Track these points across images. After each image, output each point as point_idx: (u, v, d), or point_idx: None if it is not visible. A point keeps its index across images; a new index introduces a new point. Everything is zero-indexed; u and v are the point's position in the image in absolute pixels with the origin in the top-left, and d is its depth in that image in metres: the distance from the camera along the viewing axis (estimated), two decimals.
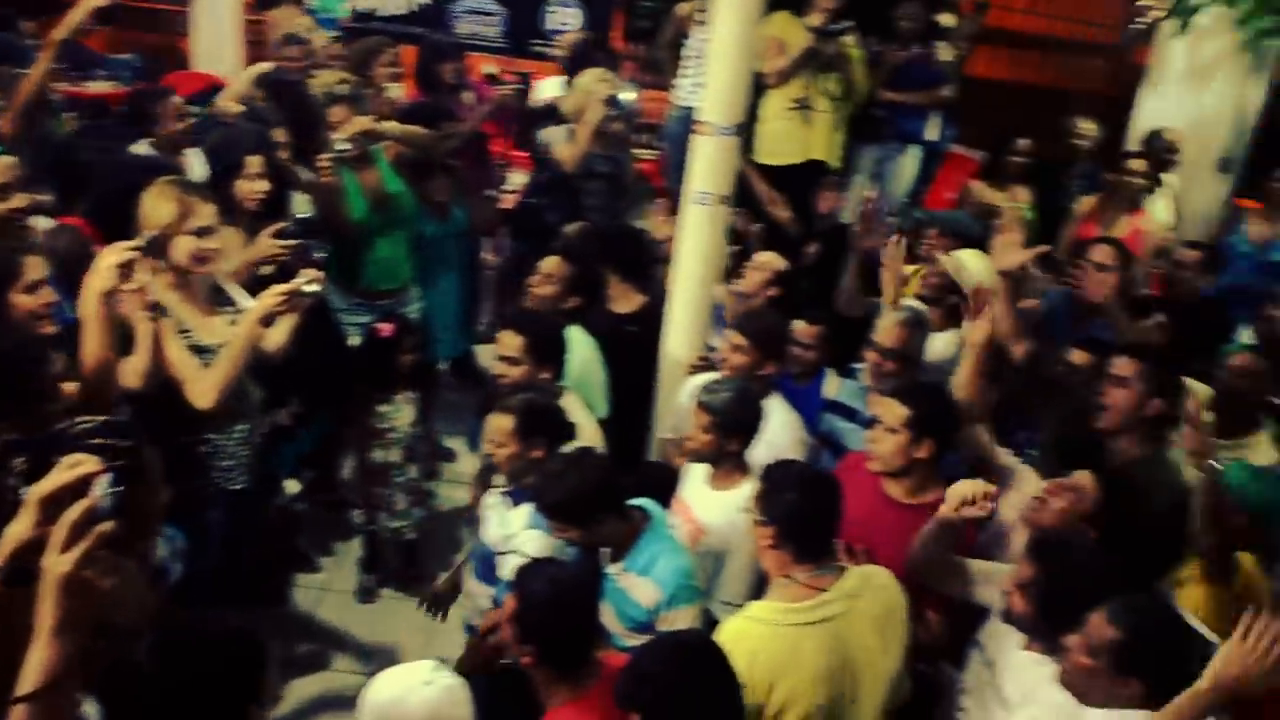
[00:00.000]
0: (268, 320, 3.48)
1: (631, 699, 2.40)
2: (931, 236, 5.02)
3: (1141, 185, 6.05)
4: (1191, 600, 3.33)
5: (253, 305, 3.51)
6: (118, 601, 1.91)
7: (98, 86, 6.61)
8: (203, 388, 3.41)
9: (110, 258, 2.94)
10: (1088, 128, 6.42)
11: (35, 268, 3.25)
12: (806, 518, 2.82)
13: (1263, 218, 6.24)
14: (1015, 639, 2.90)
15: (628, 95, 6.14)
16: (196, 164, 4.69)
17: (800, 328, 4.21)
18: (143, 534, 2.44)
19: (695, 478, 3.63)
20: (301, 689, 4.21)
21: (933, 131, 6.42)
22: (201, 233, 3.47)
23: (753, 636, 2.73)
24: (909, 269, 5.11)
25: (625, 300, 4.61)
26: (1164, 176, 6.34)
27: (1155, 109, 6.91)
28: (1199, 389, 4.21)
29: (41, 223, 3.93)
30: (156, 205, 3.42)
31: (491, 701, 2.71)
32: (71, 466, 1.77)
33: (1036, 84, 8.40)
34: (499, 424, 3.38)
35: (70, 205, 4.22)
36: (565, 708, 2.66)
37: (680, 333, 4.41)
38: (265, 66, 5.47)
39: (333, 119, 4.81)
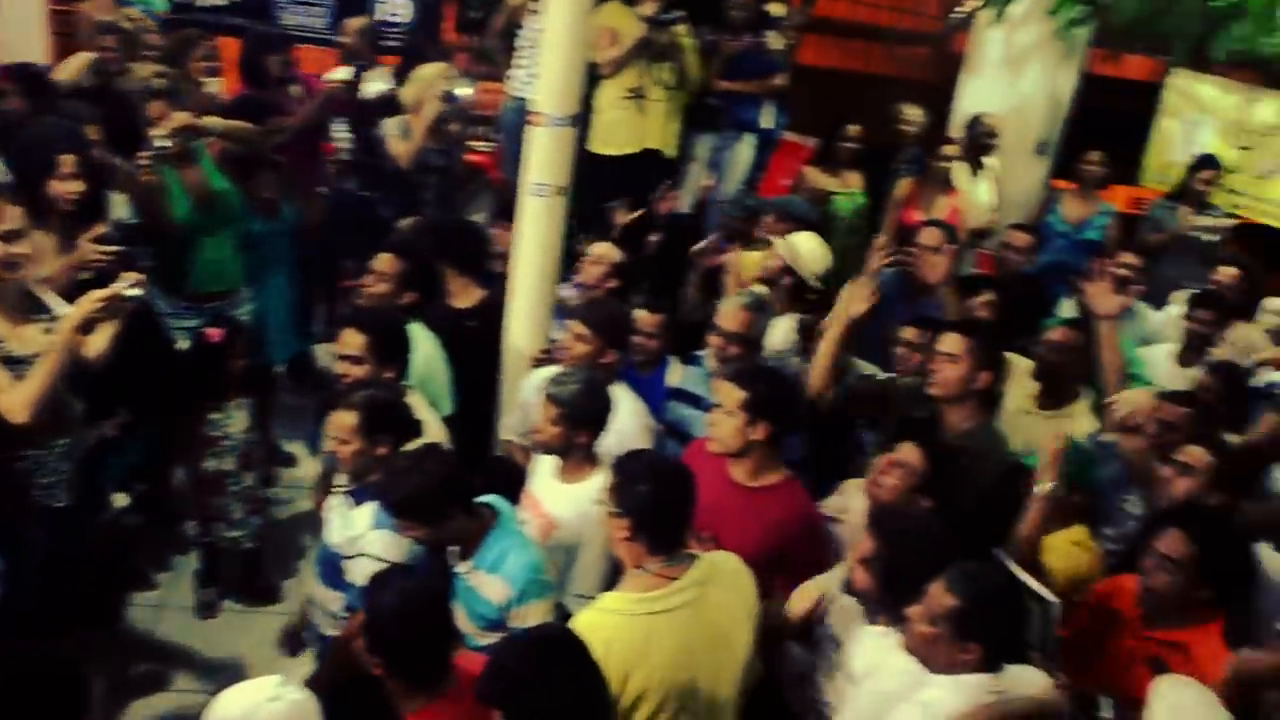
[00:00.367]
0: (86, 327, 3.32)
1: (494, 696, 2.37)
2: (767, 223, 5.11)
3: (953, 168, 6.28)
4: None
5: (69, 312, 3.33)
6: None
7: None
8: (16, 401, 3.24)
9: None
10: (913, 114, 6.63)
11: None
12: (661, 509, 2.82)
13: (1077, 198, 6.57)
14: (860, 614, 2.98)
15: (464, 90, 6.08)
16: None
17: (642, 316, 4.22)
18: None
19: (544, 471, 3.61)
20: (142, 710, 4.04)
21: (767, 119, 6.53)
22: (8, 237, 3.28)
23: (606, 627, 2.73)
24: (747, 256, 5.21)
25: (465, 295, 4.54)
26: (985, 160, 6.60)
27: (975, 95, 7.19)
28: (1021, 363, 4.41)
29: None
30: None
31: (343, 714, 2.63)
32: None
33: (864, 72, 8.63)
34: (342, 421, 3.30)
35: None
36: (420, 714, 2.63)
37: (522, 326, 4.37)
38: (86, 57, 5.20)
39: (151, 114, 4.60)
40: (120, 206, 4.61)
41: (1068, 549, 3.46)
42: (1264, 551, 3.52)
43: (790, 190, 6.31)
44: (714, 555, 2.98)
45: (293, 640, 3.76)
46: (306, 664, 3.60)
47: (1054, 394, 4.38)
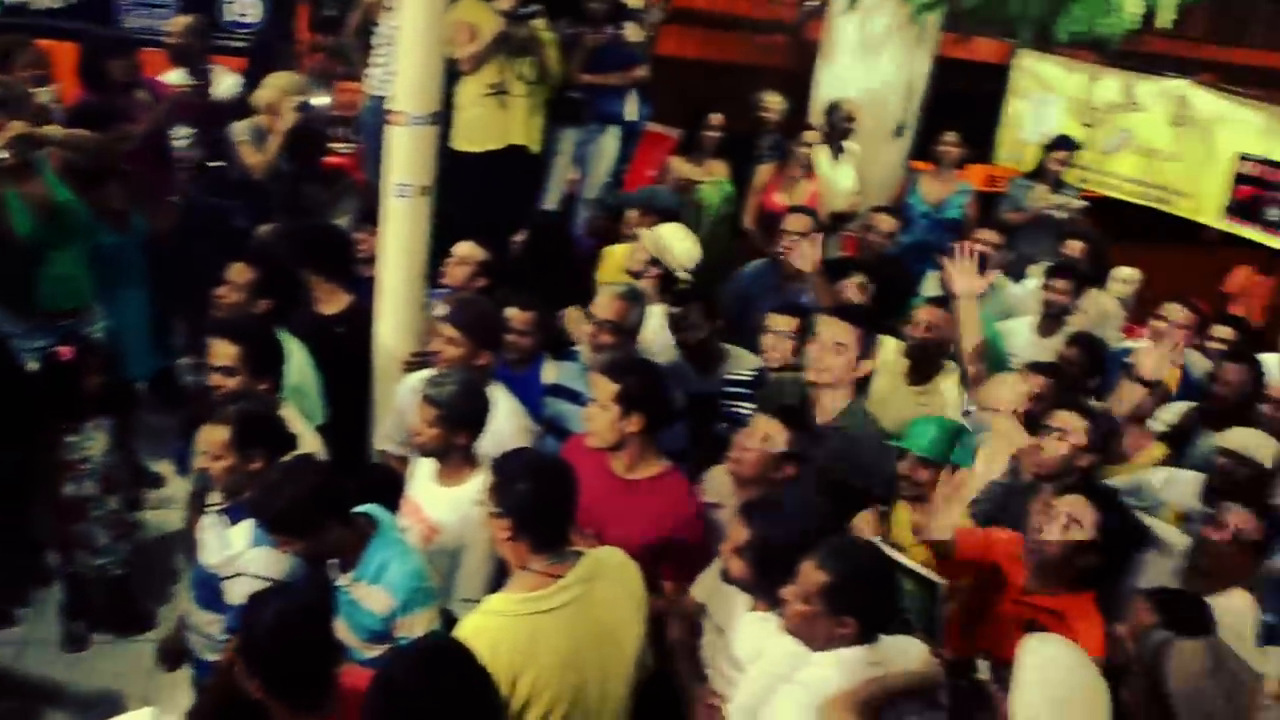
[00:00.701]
0: None
1: (379, 713, 2.31)
2: (632, 218, 5.15)
3: (814, 153, 6.39)
4: None
5: None
6: None
7: None
8: None
9: None
10: (773, 101, 6.71)
11: None
12: (542, 507, 2.80)
13: (935, 178, 6.75)
14: (741, 601, 3.01)
15: (320, 100, 5.96)
16: None
17: (513, 314, 4.19)
18: None
19: (423, 475, 3.56)
20: None
21: (631, 111, 6.53)
22: None
23: (491, 630, 2.70)
24: (615, 251, 5.23)
25: (331, 301, 4.44)
26: (846, 144, 6.73)
27: (832, 81, 7.33)
28: (889, 342, 4.51)
29: None
30: None
31: None
32: None
33: (723, 61, 8.71)
34: (213, 436, 3.22)
35: None
36: None
37: (392, 330, 4.29)
38: None
39: None
40: None
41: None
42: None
43: (656, 181, 6.33)
44: (598, 551, 2.97)
45: (171, 655, 3.62)
46: (186, 692, 3.48)
47: (922, 370, 4.51)
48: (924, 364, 4.51)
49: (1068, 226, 6.19)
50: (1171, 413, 4.69)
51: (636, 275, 4.66)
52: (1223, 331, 5.38)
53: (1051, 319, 5.23)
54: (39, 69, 5.52)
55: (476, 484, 3.27)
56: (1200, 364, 5.19)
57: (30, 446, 4.29)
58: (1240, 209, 6.55)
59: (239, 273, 4.13)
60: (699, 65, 8.38)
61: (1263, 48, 10.58)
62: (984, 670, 2.78)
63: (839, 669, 2.64)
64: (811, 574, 2.64)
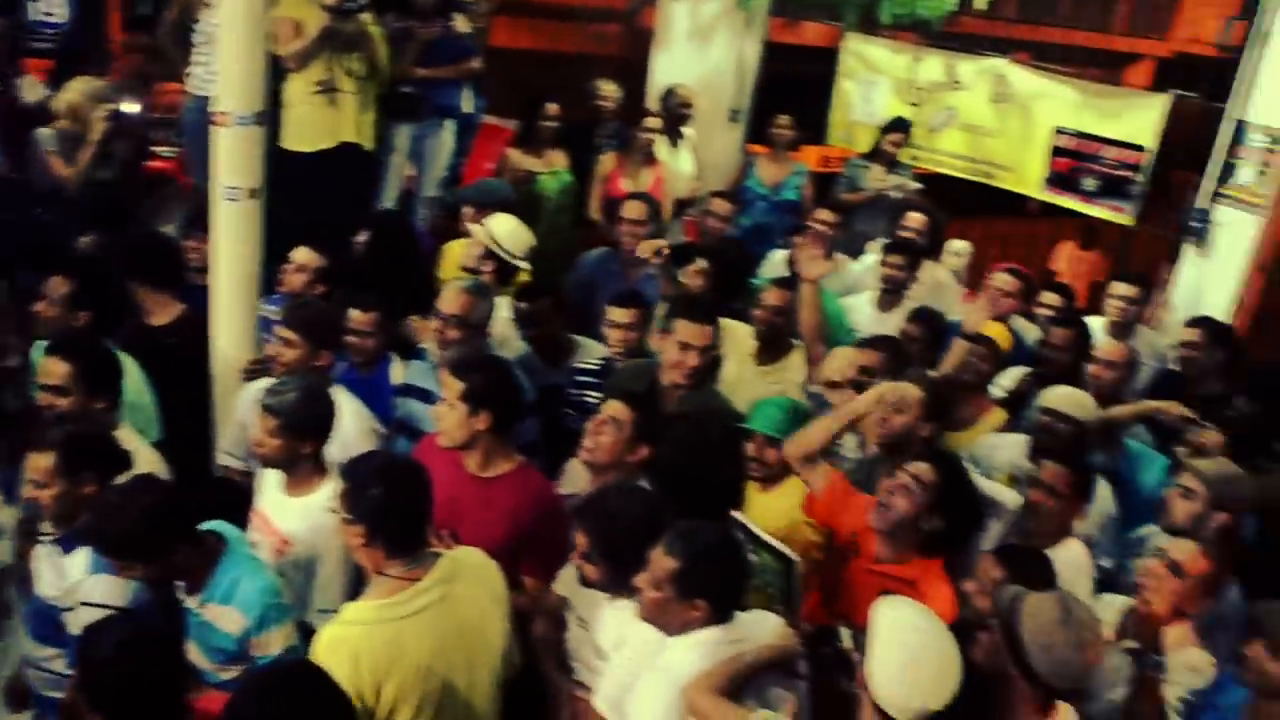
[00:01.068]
0: None
1: None
2: (468, 213, 5.11)
3: (655, 140, 6.43)
4: None
5: None
6: None
7: None
8: None
9: None
10: (608, 89, 6.71)
11: None
12: (396, 511, 2.75)
13: (771, 161, 6.86)
14: (602, 594, 3.00)
15: (130, 107, 5.71)
16: None
17: (356, 316, 4.12)
18: None
19: (270, 487, 3.46)
20: None
21: (467, 104, 6.45)
22: None
23: (351, 640, 2.65)
24: (454, 246, 5.17)
25: (162, 312, 4.27)
26: (683, 130, 6.78)
27: (667, 68, 7.39)
28: (736, 326, 4.57)
29: None
30: None
31: None
32: None
33: (556, 51, 8.68)
34: (39, 463, 3.07)
35: None
36: None
37: (228, 338, 4.14)
38: None
39: None
40: None
41: (791, 523, 3.60)
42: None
43: (494, 174, 6.26)
44: (457, 551, 2.95)
45: (14, 696, 3.44)
46: None
47: (770, 350, 4.58)
48: (772, 345, 4.59)
49: (907, 203, 6.35)
50: (1009, 378, 4.88)
51: (473, 270, 4.60)
52: (1050, 298, 5.63)
53: (890, 294, 5.38)
54: None
55: (326, 491, 3.22)
56: (1030, 330, 5.42)
57: None
58: (1059, 180, 6.84)
59: (56, 286, 3.95)
60: (532, 56, 8.33)
61: (1070, 26, 11.13)
62: (846, 638, 2.83)
63: (697, 651, 2.67)
64: (660, 560, 2.67)
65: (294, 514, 3.33)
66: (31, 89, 5.94)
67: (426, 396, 4.01)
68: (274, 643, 2.92)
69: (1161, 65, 11.79)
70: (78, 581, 3.08)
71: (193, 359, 4.17)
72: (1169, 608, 2.88)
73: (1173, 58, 11.70)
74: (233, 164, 3.93)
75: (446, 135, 6.31)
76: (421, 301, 4.44)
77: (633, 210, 5.22)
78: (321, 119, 5.59)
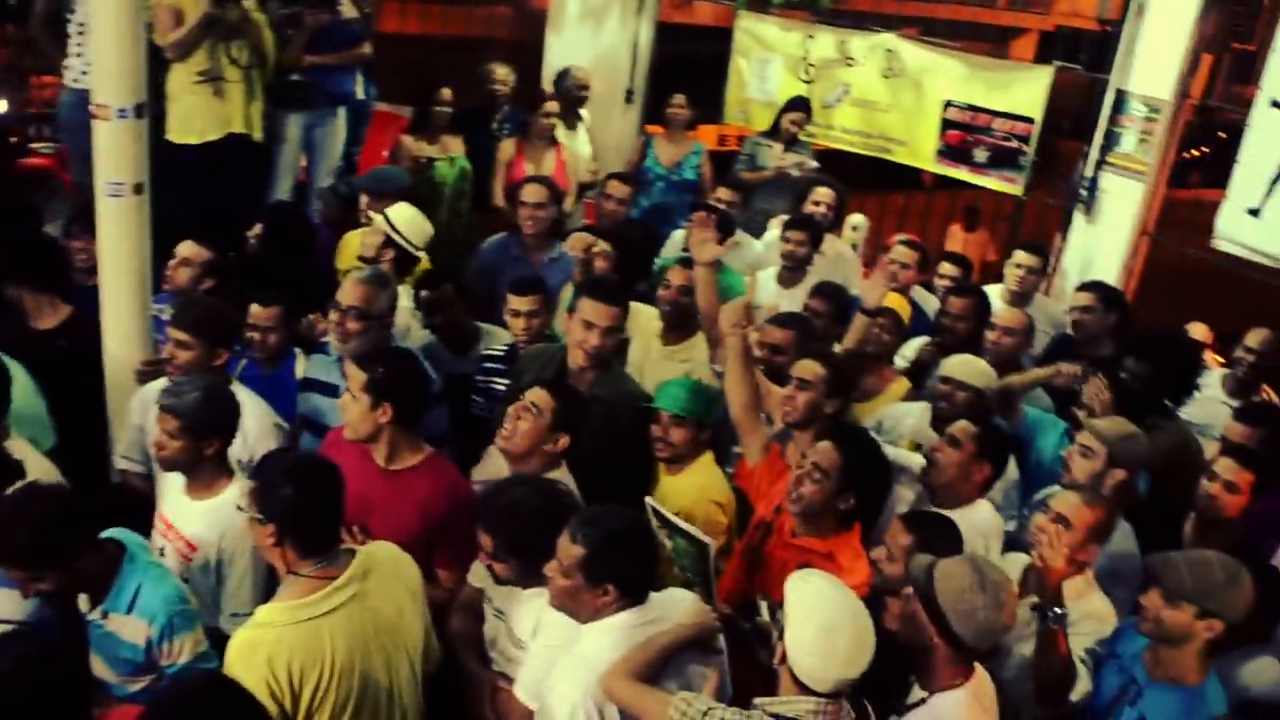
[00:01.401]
0: None
1: None
2: (365, 202, 5.04)
3: (555, 124, 6.39)
4: None
5: None
6: None
7: None
8: None
9: None
10: (502, 73, 6.63)
11: None
12: (307, 509, 2.70)
13: (669, 141, 6.86)
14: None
15: None
16: None
17: (257, 311, 4.04)
18: None
19: (173, 490, 3.35)
20: None
21: (359, 91, 6.33)
22: None
23: (266, 643, 2.59)
24: (353, 235, 5.08)
25: (48, 315, 4.12)
26: (581, 112, 6.75)
27: (561, 50, 7.35)
28: (642, 309, 4.56)
29: None
30: None
31: None
32: None
33: (447, 35, 8.58)
34: None
35: None
36: None
37: (120, 340, 4.01)
38: None
39: None
40: None
41: (697, 504, 3.61)
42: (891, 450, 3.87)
43: (389, 162, 6.16)
44: (371, 547, 2.90)
45: None
46: None
47: (677, 330, 4.59)
48: (678, 325, 4.59)
49: (811, 180, 6.39)
50: (910, 348, 4.97)
51: (372, 260, 4.52)
52: (948, 269, 5.74)
53: (792, 270, 5.42)
54: None
55: (233, 492, 3.15)
56: (930, 301, 5.52)
57: None
58: (951, 152, 6.96)
59: None
60: (423, 41, 8.23)
61: (957, 2, 11.35)
62: (764, 610, 2.85)
63: (612, 636, 2.66)
64: (567, 548, 2.66)
65: (199, 517, 3.24)
66: None
67: (329, 390, 3.94)
68: (183, 651, 2.85)
69: (1045, 38, 12.12)
70: None
71: (84, 362, 4.03)
72: (1064, 560, 2.96)
73: (1055, 31, 12.02)
74: (115, 159, 3.80)
75: (339, 124, 6.20)
76: (320, 294, 4.35)
77: (532, 193, 5.18)
78: (207, 110, 5.45)
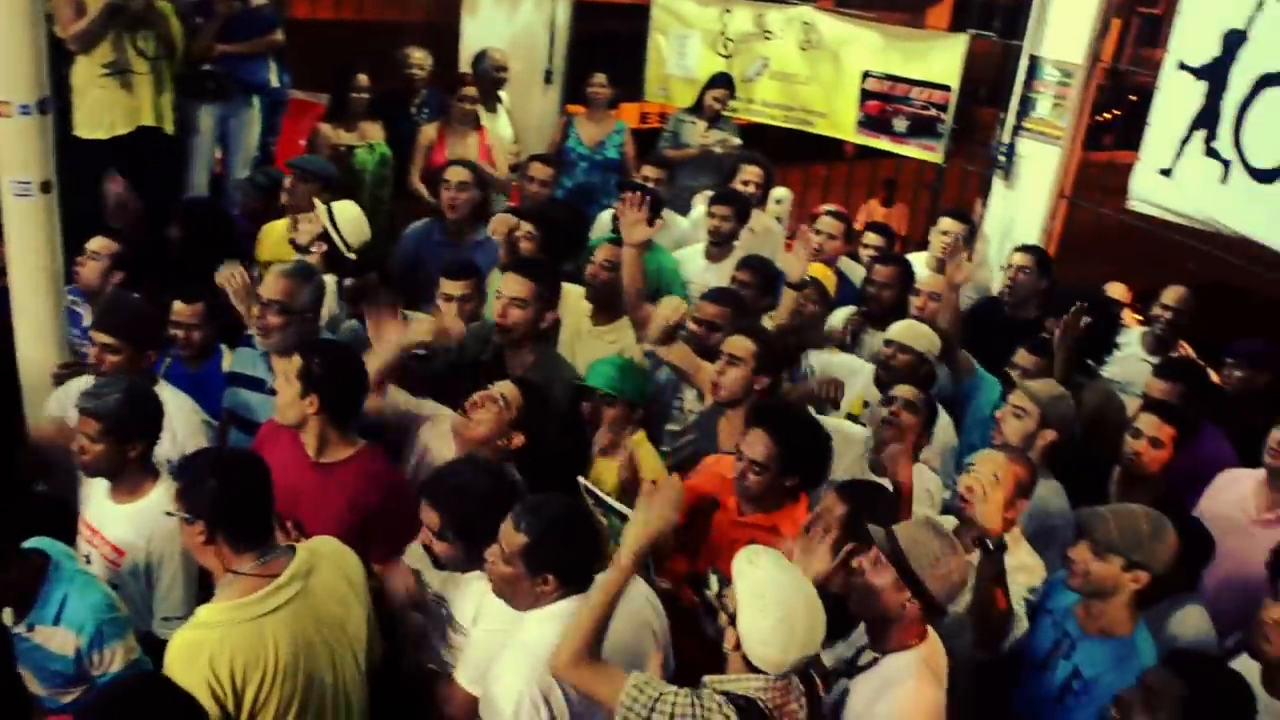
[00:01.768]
0: None
1: None
2: (289, 186, 4.94)
3: (477, 107, 6.33)
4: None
5: None
6: None
7: None
8: None
9: None
10: (418, 57, 6.54)
11: None
12: (235, 503, 2.65)
13: (590, 120, 6.83)
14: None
15: None
16: None
17: (180, 308, 3.97)
18: None
19: (97, 495, 3.27)
20: None
21: (273, 79, 6.21)
22: None
23: (208, 645, 2.54)
24: (273, 227, 4.99)
25: None
26: (500, 94, 6.68)
27: (478, 32, 7.27)
28: (571, 289, 4.54)
29: None
30: None
31: None
32: None
33: (362, 20, 8.45)
34: None
35: None
36: None
37: (33, 342, 3.90)
38: None
39: None
40: None
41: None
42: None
43: (307, 150, 6.05)
44: (313, 543, 2.85)
45: None
46: None
47: (606, 310, 4.57)
48: (607, 305, 4.57)
49: (737, 156, 6.40)
50: (838, 318, 5.01)
51: (303, 250, 4.44)
52: (872, 238, 5.80)
53: (719, 245, 5.42)
54: None
55: (160, 494, 3.10)
56: (856, 270, 5.56)
57: None
58: (871, 123, 7.02)
59: None
60: (337, 26, 8.09)
61: None
62: (714, 584, 2.85)
63: (553, 625, 2.62)
64: (510, 536, 2.63)
65: (125, 521, 3.17)
66: None
67: (256, 385, 3.87)
68: (115, 659, 2.80)
69: (959, 6, 12.23)
70: None
71: None
72: (999, 519, 3.02)
73: None
74: (19, 157, 3.70)
75: (254, 114, 6.08)
76: None
77: (454, 174, 5.12)
78: (115, 103, 5.31)
